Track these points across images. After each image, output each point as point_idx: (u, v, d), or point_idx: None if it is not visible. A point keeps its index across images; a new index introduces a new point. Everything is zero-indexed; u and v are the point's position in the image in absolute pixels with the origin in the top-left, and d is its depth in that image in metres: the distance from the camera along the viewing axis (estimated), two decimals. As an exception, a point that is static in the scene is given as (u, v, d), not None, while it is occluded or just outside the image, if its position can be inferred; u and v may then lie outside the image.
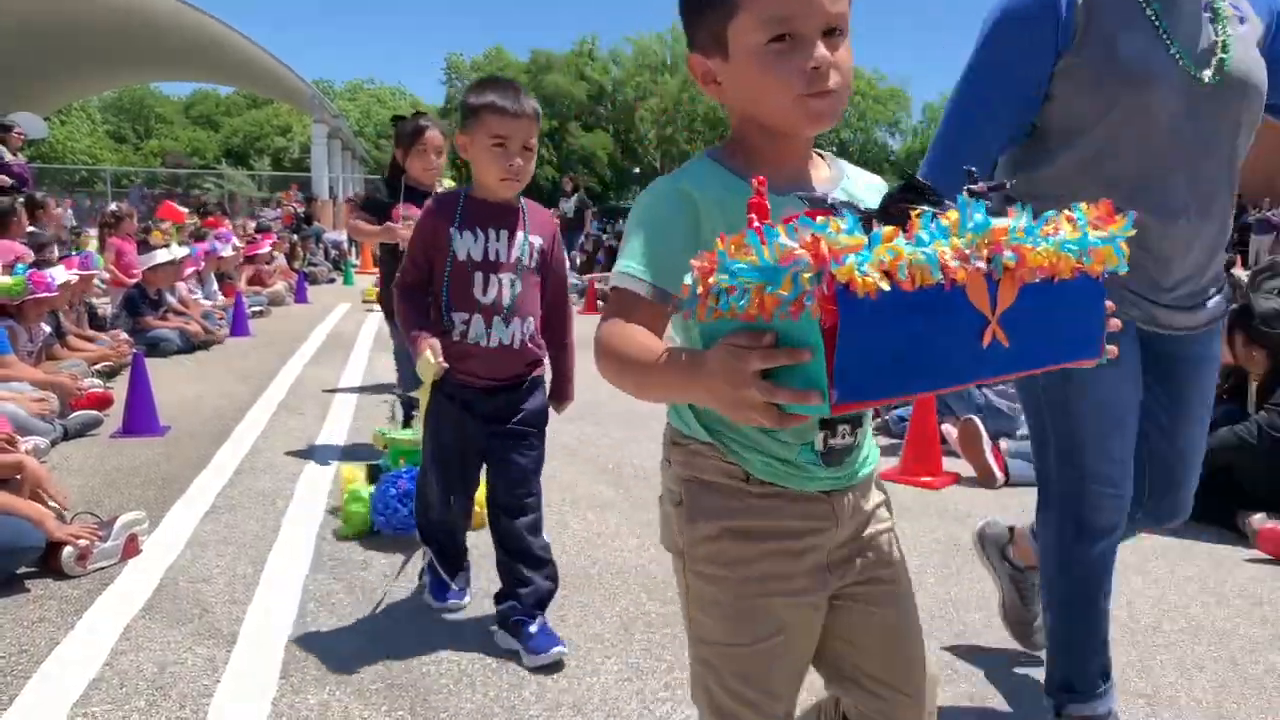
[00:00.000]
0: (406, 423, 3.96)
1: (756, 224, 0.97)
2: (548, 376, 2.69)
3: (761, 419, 0.97)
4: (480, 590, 2.94)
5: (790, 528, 1.27)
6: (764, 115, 1.21)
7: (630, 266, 1.19)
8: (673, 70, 57.54)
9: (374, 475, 3.60)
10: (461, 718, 2.26)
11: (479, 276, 2.47)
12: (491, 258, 2.48)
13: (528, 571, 2.56)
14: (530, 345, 2.55)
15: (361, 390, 6.23)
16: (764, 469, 1.26)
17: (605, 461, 4.52)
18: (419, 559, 2.95)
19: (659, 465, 1.38)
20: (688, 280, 1.01)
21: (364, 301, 11.36)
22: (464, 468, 2.66)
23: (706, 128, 56.51)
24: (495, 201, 2.51)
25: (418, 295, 2.54)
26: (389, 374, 6.46)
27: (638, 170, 54.57)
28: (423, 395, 2.55)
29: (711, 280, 0.97)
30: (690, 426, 1.30)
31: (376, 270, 13.32)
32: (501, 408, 2.55)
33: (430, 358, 2.38)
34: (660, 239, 1.20)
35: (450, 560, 2.82)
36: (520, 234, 2.52)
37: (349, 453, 4.62)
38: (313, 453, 4.63)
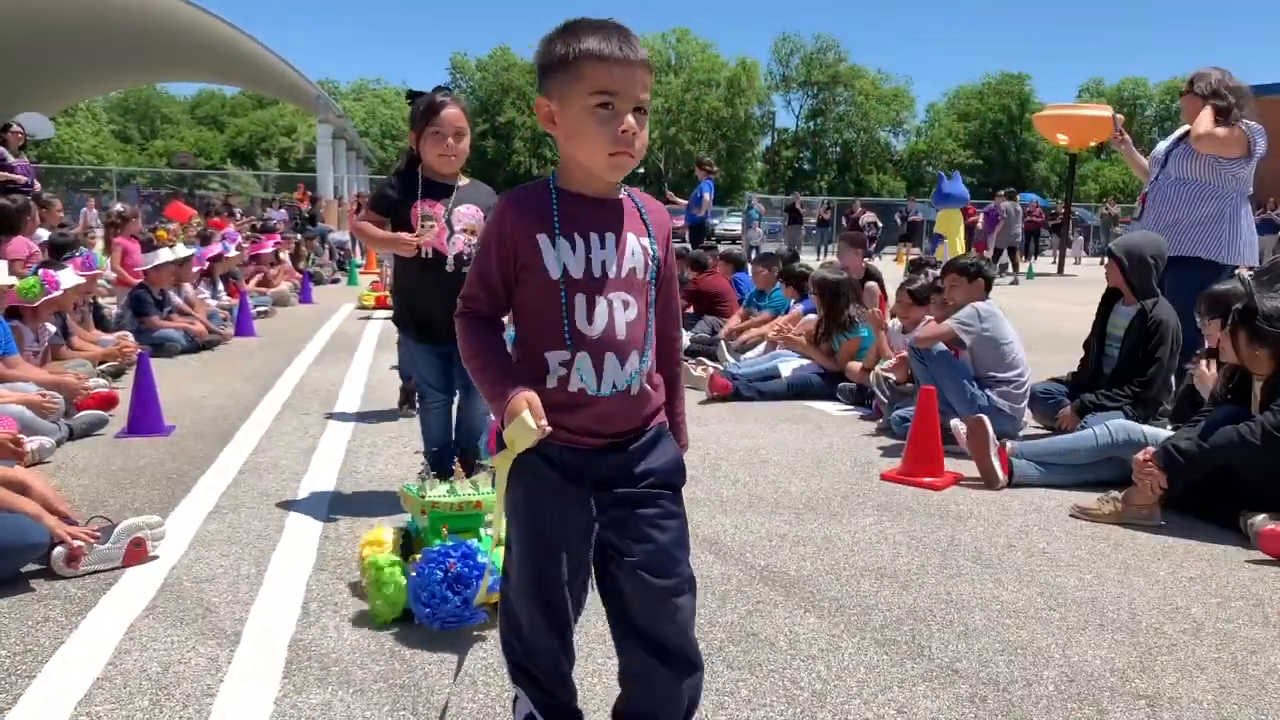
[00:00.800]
0: (444, 475, 3.14)
1: None
2: None
3: None
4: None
5: None
6: None
7: None
8: (676, 71, 57.54)
9: (404, 544, 2.92)
10: (463, 718, 2.27)
11: (581, 300, 1.75)
12: (597, 273, 1.75)
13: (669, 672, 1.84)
14: (648, 387, 1.83)
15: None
16: None
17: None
18: (475, 655, 2.58)
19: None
20: None
21: (359, 307, 11.16)
22: (575, 564, 1.82)
23: (709, 128, 56.51)
24: (594, 195, 1.78)
25: (490, 331, 1.81)
26: (390, 381, 6.49)
27: (641, 170, 54.60)
28: (500, 466, 1.79)
29: None
30: None
31: (378, 272, 13.12)
32: (617, 468, 1.81)
33: (529, 420, 1.66)
34: None
35: (560, 714, 1.92)
36: (630, 236, 1.80)
37: (351, 456, 4.64)
38: (317, 453, 4.64)
